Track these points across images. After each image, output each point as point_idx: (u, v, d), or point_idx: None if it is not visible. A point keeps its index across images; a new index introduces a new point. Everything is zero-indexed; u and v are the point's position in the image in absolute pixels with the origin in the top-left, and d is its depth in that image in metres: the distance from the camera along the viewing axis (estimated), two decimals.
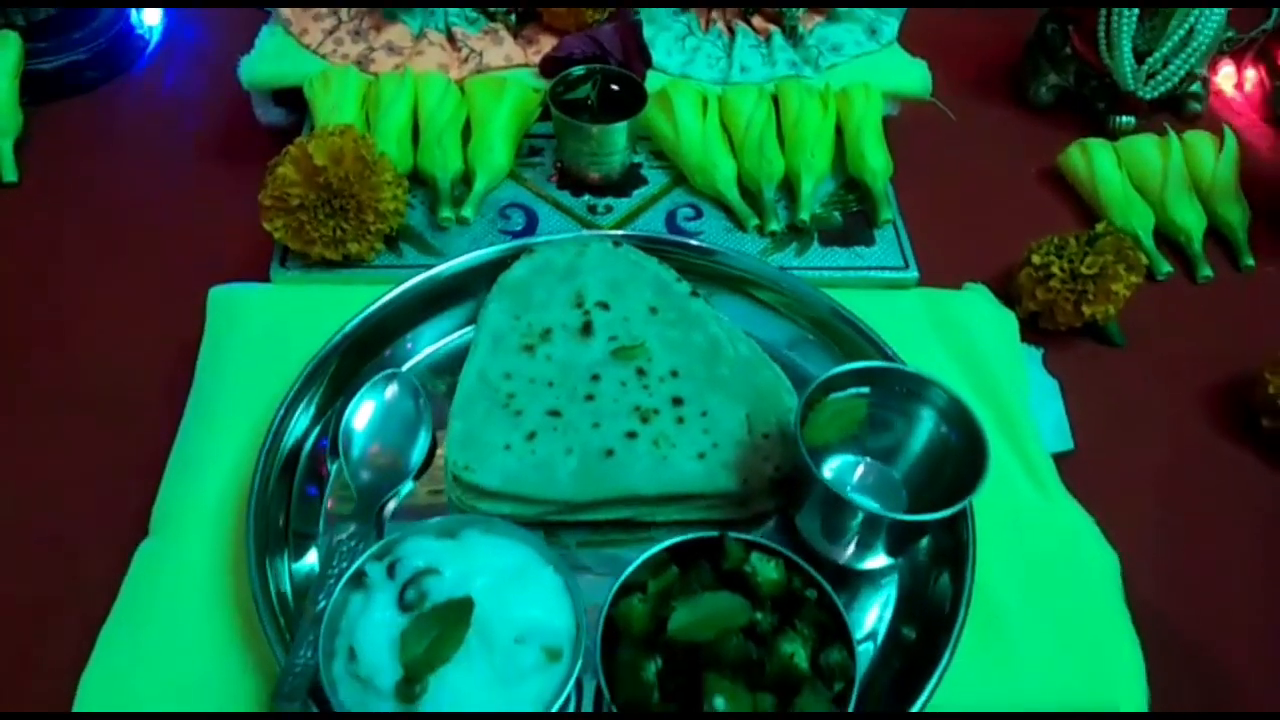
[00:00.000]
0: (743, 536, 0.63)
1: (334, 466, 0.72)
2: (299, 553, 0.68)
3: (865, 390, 0.66)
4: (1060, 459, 0.78)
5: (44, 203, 0.95)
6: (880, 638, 0.67)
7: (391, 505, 0.70)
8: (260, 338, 0.77)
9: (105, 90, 1.07)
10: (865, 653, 0.66)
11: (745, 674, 0.57)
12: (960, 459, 0.64)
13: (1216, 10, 1.00)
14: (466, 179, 0.89)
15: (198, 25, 1.14)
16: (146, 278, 0.88)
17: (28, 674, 0.65)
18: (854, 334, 0.77)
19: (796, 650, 0.57)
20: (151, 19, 1.13)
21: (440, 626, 0.57)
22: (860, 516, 0.62)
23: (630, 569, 0.61)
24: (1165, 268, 0.95)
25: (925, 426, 0.66)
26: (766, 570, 0.61)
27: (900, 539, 0.66)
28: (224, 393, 0.75)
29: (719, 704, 0.55)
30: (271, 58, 0.94)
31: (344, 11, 0.98)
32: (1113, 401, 0.86)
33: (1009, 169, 1.05)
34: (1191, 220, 0.97)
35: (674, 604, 0.59)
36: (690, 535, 0.63)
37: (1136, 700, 0.65)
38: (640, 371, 0.72)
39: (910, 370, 0.67)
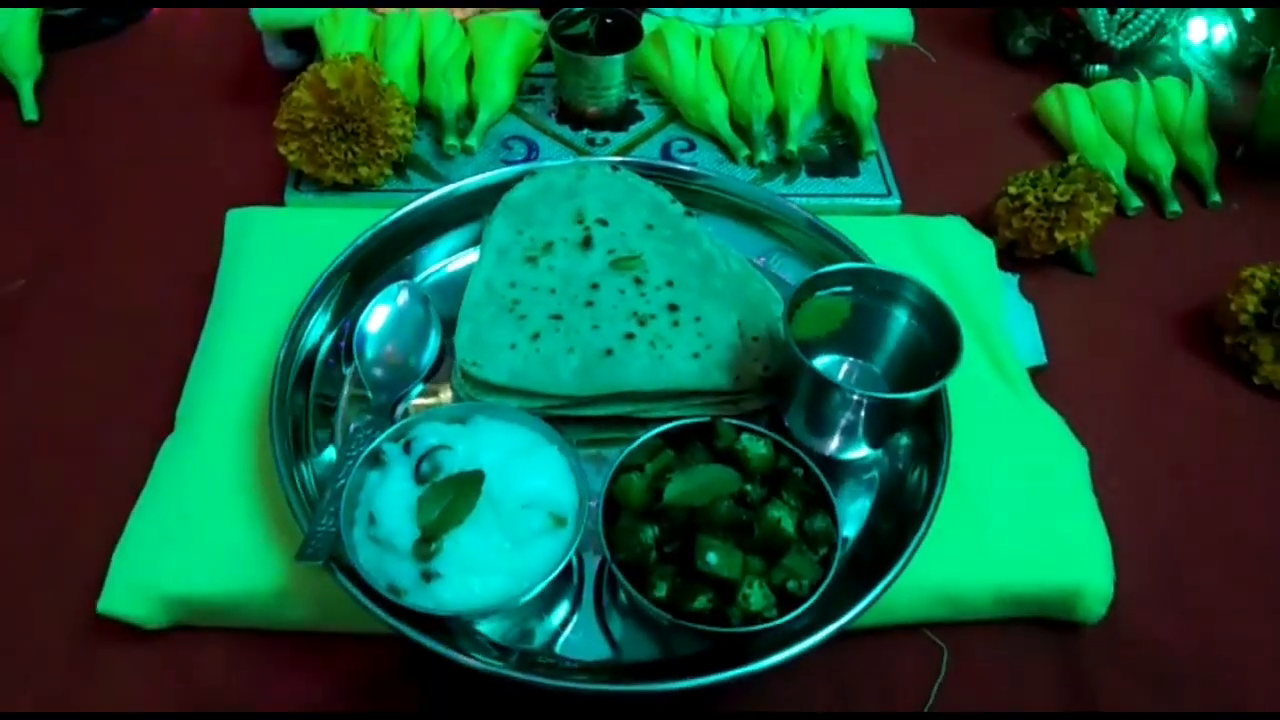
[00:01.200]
0: (734, 421, 0.68)
1: (348, 370, 0.76)
2: (319, 449, 0.72)
3: (848, 289, 0.71)
4: (1034, 374, 0.83)
5: (64, 140, 0.99)
6: (862, 520, 0.71)
7: (403, 407, 0.74)
8: (276, 254, 0.82)
9: (121, 36, 1.10)
10: (849, 532, 0.70)
11: (735, 535, 0.62)
12: (935, 352, 0.68)
13: None
14: (470, 113, 0.94)
15: None
16: (165, 206, 0.92)
17: (60, 561, 0.68)
18: (837, 250, 0.81)
19: (783, 516, 0.62)
20: None
21: (454, 493, 0.61)
22: (843, 400, 0.67)
23: (628, 449, 0.65)
24: (1135, 202, 1.00)
25: (902, 322, 0.71)
26: (756, 447, 0.65)
27: (880, 425, 0.70)
28: (242, 303, 0.79)
29: (711, 559, 0.60)
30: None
31: None
32: (1084, 323, 0.90)
33: (988, 114, 1.10)
34: (1161, 160, 1.02)
35: (670, 476, 0.63)
36: (684, 421, 0.67)
37: (1102, 577, 0.69)
38: (638, 281, 0.77)
39: (888, 270, 0.71)
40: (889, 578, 0.64)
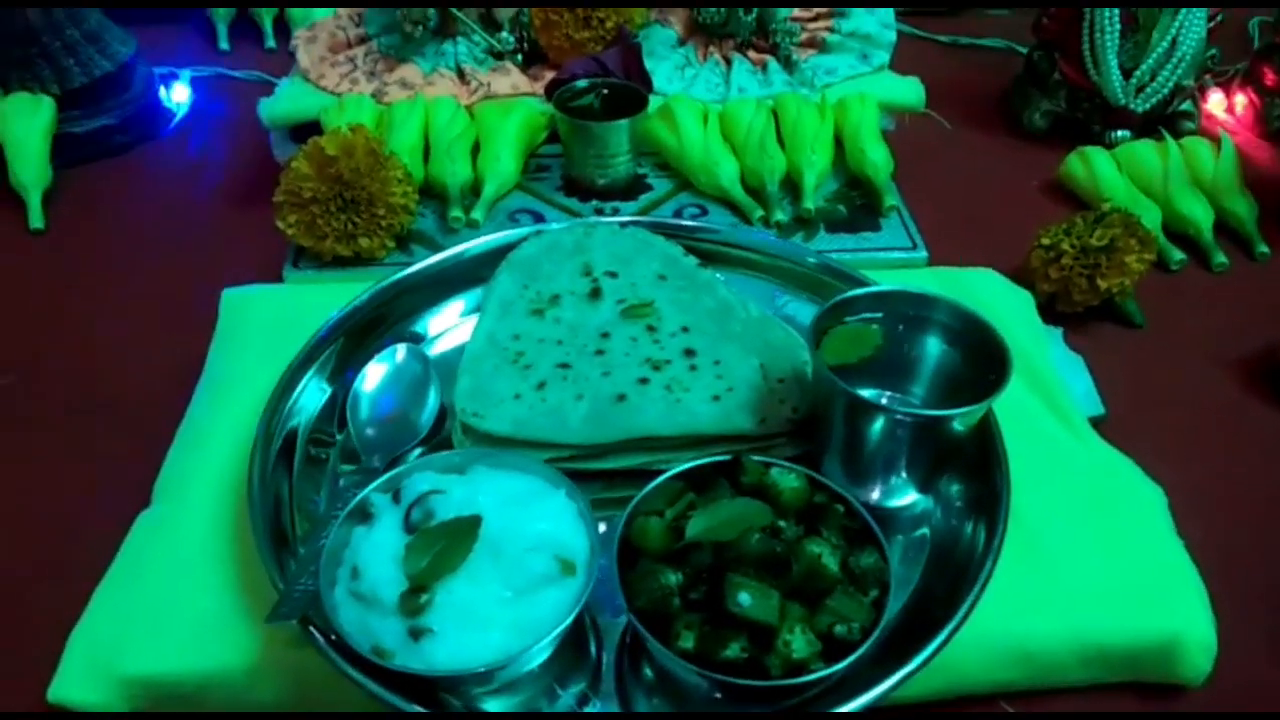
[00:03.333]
0: (761, 457, 0.60)
1: (340, 436, 0.70)
2: (304, 518, 0.65)
3: (877, 314, 0.65)
4: (1093, 425, 0.76)
5: (67, 246, 0.98)
6: (914, 582, 0.62)
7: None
8: (269, 330, 0.77)
9: (132, 154, 1.11)
10: (901, 597, 0.61)
11: (770, 573, 0.53)
12: (979, 375, 0.61)
13: (1196, 19, 1.04)
14: (476, 189, 0.92)
15: (223, 100, 1.20)
16: (162, 298, 0.89)
17: (23, 634, 0.62)
18: None
19: (824, 551, 0.54)
20: (179, 95, 1.19)
21: (447, 539, 0.54)
22: (884, 427, 0.60)
23: (643, 492, 0.58)
24: (1178, 255, 0.95)
25: (939, 346, 0.65)
26: (788, 480, 0.58)
27: (927, 459, 0.63)
28: (231, 378, 0.74)
29: (743, 600, 0.51)
30: (290, 98, 0.99)
31: (359, 56, 1.03)
32: (1140, 374, 0.84)
33: (1009, 181, 1.07)
34: (1199, 213, 0.97)
35: (691, 514, 0.56)
36: (705, 460, 0.60)
37: (1202, 625, 0.60)
38: (650, 329, 0.72)
39: (919, 291, 0.65)
40: (955, 621, 0.55)
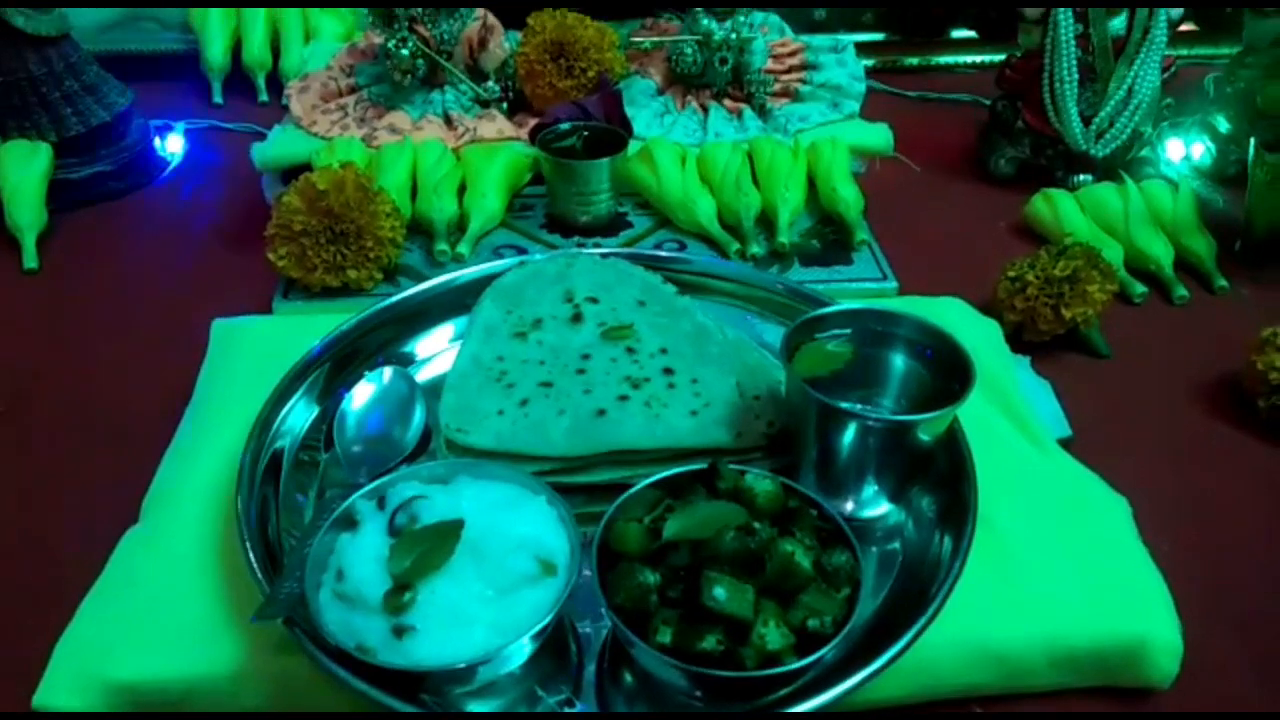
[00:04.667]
0: (737, 465, 0.62)
1: (325, 456, 0.72)
2: (291, 530, 0.66)
3: (846, 331, 0.68)
4: (1060, 445, 0.78)
5: (59, 284, 1.00)
6: (885, 591, 0.64)
7: None
8: (259, 356, 0.79)
9: (127, 200, 1.14)
10: (873, 604, 0.63)
11: (744, 571, 0.55)
12: (945, 386, 0.64)
13: (1151, 69, 1.09)
14: (462, 226, 0.95)
15: (217, 150, 1.23)
16: (152, 332, 0.91)
17: (9, 644, 0.63)
18: None
19: (797, 550, 0.55)
20: (174, 145, 1.22)
21: (430, 541, 0.56)
22: (856, 434, 0.62)
23: (621, 499, 0.60)
24: (1140, 289, 0.98)
25: (906, 360, 0.68)
26: (763, 485, 0.60)
27: (899, 467, 0.65)
28: (220, 402, 0.76)
29: (719, 594, 0.53)
30: (282, 143, 1.02)
31: (350, 105, 1.07)
32: (1105, 400, 0.86)
33: (977, 224, 1.11)
34: (1159, 249, 1.01)
35: (668, 517, 0.57)
36: (681, 469, 0.62)
37: (1168, 629, 0.61)
38: (630, 350, 0.74)
39: (886, 308, 0.68)
40: (923, 619, 0.56)
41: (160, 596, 0.61)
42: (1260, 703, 0.63)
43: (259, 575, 0.58)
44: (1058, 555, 0.65)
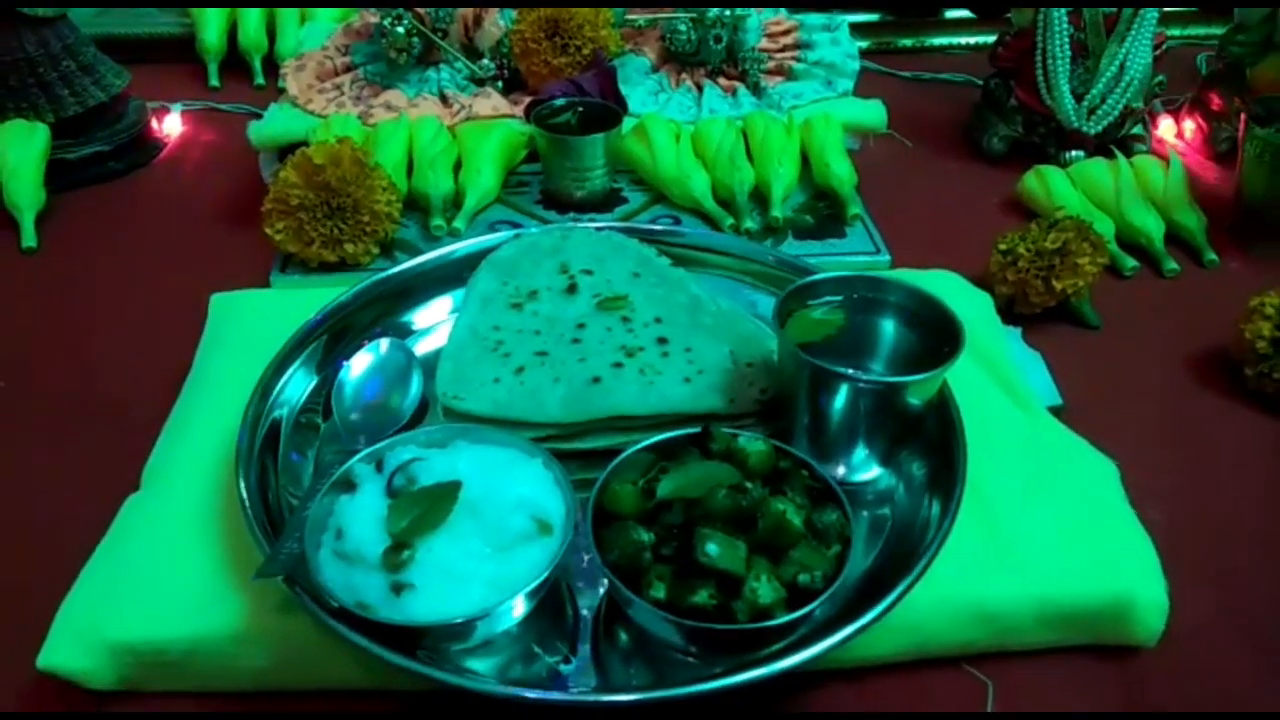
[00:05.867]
0: (729, 428, 0.63)
1: (325, 425, 0.73)
2: (289, 491, 0.67)
3: (837, 298, 0.69)
4: (1051, 414, 0.79)
5: (58, 262, 1.00)
6: (876, 553, 0.65)
7: None
8: (257, 330, 0.80)
9: (124, 180, 1.14)
10: (863, 565, 0.64)
11: (737, 528, 0.56)
12: (935, 349, 0.65)
13: (1142, 46, 1.10)
14: (458, 202, 0.96)
15: (213, 131, 1.24)
16: (152, 307, 0.92)
17: (13, 611, 0.63)
18: None
19: (789, 509, 0.57)
20: (171, 126, 1.23)
21: (429, 501, 0.57)
22: (847, 397, 0.63)
23: (616, 461, 0.61)
24: (1130, 263, 0.99)
25: (896, 325, 0.69)
26: (755, 445, 0.61)
27: (889, 429, 0.66)
28: (219, 373, 0.77)
29: (711, 550, 0.54)
30: (278, 121, 1.03)
31: (346, 83, 1.08)
32: (1096, 370, 0.87)
33: (970, 201, 1.12)
34: (1150, 224, 1.02)
35: (662, 478, 0.58)
36: (674, 433, 0.63)
37: (1153, 585, 0.62)
38: (625, 319, 0.75)
39: (874, 275, 0.69)
40: (915, 571, 0.57)
41: (161, 559, 0.62)
42: (1243, 662, 0.64)
43: (259, 536, 0.59)
44: (1046, 516, 0.66)
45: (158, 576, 0.61)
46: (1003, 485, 0.68)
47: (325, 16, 1.34)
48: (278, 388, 0.72)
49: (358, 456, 0.61)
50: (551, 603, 0.61)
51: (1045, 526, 0.65)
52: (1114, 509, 0.67)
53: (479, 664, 0.58)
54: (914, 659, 0.62)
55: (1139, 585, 0.62)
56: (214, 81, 1.35)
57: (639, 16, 1.12)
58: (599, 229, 0.85)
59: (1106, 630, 0.63)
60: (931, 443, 0.68)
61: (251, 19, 1.35)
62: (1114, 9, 1.09)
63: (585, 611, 0.62)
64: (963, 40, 1.47)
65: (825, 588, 0.54)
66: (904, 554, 0.63)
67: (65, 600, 0.61)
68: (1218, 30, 1.37)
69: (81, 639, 0.58)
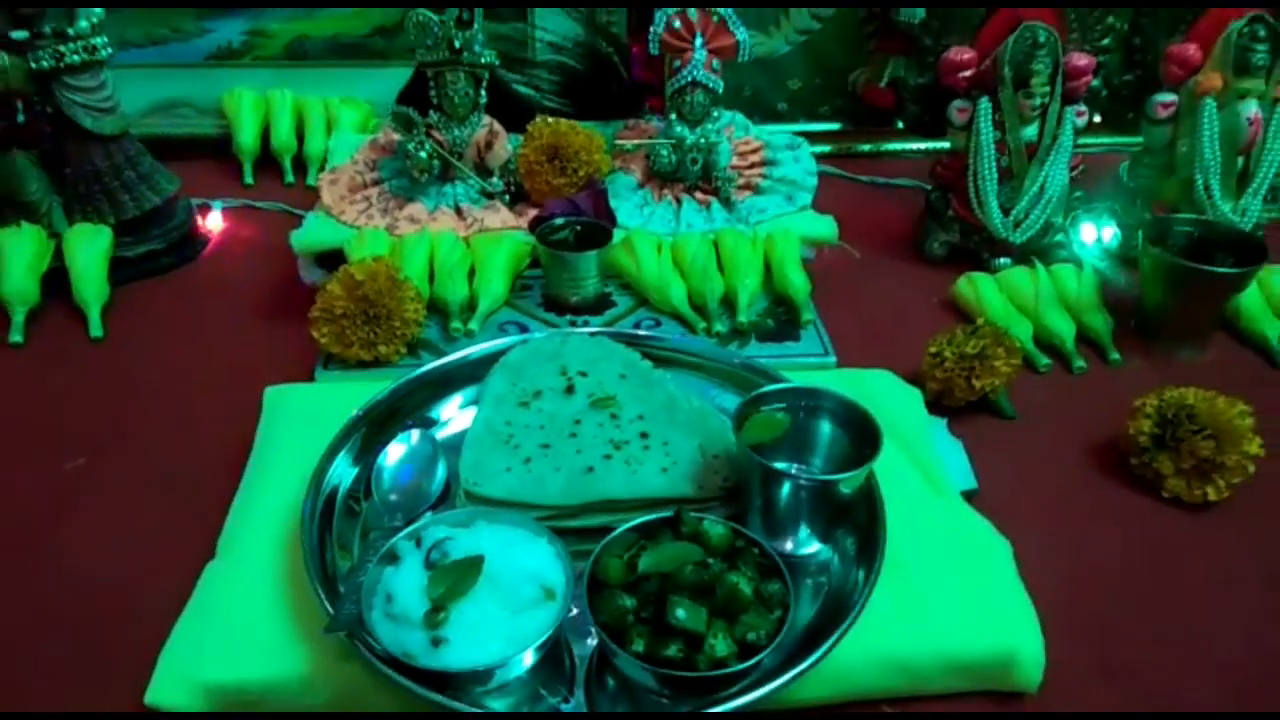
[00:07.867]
0: (696, 513, 0.79)
1: (366, 505, 0.88)
2: (342, 559, 0.82)
3: (783, 404, 0.85)
4: (966, 497, 0.94)
5: (124, 350, 1.15)
6: (814, 612, 0.81)
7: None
8: (307, 418, 0.95)
9: (174, 274, 1.30)
10: (802, 620, 0.80)
11: (700, 596, 0.72)
12: (861, 449, 0.81)
13: (1059, 170, 1.28)
14: (472, 305, 1.12)
15: (250, 228, 1.40)
16: (211, 395, 1.06)
17: (119, 657, 0.77)
18: None
19: (741, 581, 0.72)
20: (213, 222, 1.39)
21: (459, 573, 0.72)
22: (790, 490, 0.79)
23: (605, 540, 0.77)
24: (1044, 360, 1.16)
25: (829, 428, 0.85)
26: (716, 529, 0.77)
27: (825, 514, 0.82)
28: (278, 455, 0.92)
29: (680, 614, 0.70)
30: (316, 230, 1.20)
31: (374, 196, 1.24)
32: (1009, 456, 1.03)
33: (912, 300, 1.28)
34: (1063, 327, 1.19)
35: (642, 554, 0.74)
36: (652, 516, 0.79)
37: (1033, 644, 0.78)
38: (613, 416, 0.91)
39: (812, 386, 0.86)
40: (841, 629, 0.73)
41: (240, 616, 0.77)
42: (1109, 704, 0.79)
43: (321, 597, 0.74)
44: (950, 585, 0.81)
45: (237, 631, 0.76)
46: (917, 558, 0.83)
47: (348, 123, 1.52)
48: (329, 474, 0.87)
49: (400, 534, 0.77)
50: (554, 654, 0.76)
51: (949, 593, 0.81)
52: (1005, 580, 0.83)
53: (496, 703, 0.73)
54: (844, 702, 0.77)
55: (1021, 643, 0.77)
56: (249, 179, 1.52)
57: (627, 142, 1.30)
58: (592, 334, 1.02)
59: (998, 679, 0.78)
60: (859, 524, 0.84)
61: (283, 123, 1.53)
62: (1035, 140, 1.28)
63: (580, 661, 0.77)
64: (916, 146, 1.66)
65: (768, 644, 0.70)
66: (836, 614, 0.78)
67: (164, 648, 0.75)
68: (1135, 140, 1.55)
69: (179, 680, 0.73)
